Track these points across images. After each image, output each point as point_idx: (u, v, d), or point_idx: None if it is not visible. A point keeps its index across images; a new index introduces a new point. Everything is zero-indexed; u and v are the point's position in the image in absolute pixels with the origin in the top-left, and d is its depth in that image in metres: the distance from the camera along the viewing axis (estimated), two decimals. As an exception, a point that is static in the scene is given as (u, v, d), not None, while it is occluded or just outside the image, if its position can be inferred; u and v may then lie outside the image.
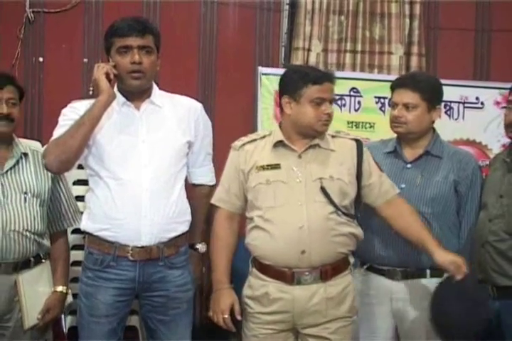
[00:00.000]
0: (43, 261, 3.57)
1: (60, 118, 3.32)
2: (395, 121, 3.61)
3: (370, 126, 4.89)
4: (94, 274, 3.32)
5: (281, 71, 4.94)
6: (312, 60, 5.22)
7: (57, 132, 3.25)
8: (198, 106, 3.54)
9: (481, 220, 3.59)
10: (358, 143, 3.45)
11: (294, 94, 3.31)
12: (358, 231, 3.38)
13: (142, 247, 3.30)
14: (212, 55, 5.22)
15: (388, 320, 3.66)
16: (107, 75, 3.24)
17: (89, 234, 3.36)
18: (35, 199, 3.49)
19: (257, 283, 3.39)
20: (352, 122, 5.00)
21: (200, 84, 5.06)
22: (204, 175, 3.60)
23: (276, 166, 3.34)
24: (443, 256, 3.31)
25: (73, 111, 3.29)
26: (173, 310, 3.41)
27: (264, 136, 3.47)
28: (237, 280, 3.54)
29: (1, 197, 3.44)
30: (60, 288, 3.53)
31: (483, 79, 5.39)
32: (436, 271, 3.50)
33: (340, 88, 4.84)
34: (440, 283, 3.37)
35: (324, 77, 3.31)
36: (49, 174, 3.46)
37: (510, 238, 3.48)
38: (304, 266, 3.28)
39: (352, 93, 4.97)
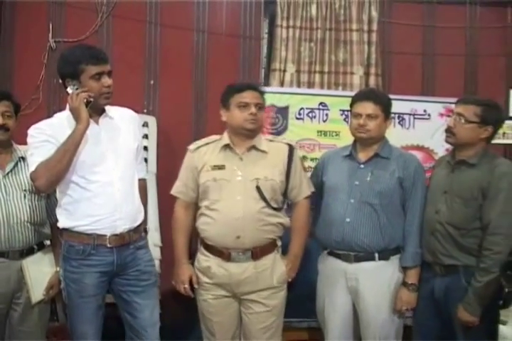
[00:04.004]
0: (45, 246, 3.66)
1: (31, 140, 3.26)
2: (359, 129, 3.64)
3: (336, 135, 4.90)
4: (78, 263, 3.33)
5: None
6: (287, 79, 5.28)
7: (35, 153, 3.23)
8: (134, 113, 3.60)
9: (429, 212, 3.62)
10: (290, 147, 3.65)
11: (226, 103, 3.54)
12: (285, 220, 3.62)
13: (117, 235, 3.34)
14: (203, 76, 5.26)
15: (345, 296, 3.72)
16: (86, 100, 3.18)
17: (67, 230, 3.35)
18: (33, 195, 3.59)
19: (202, 258, 3.62)
20: (321, 131, 4.98)
21: (193, 101, 5.09)
22: (142, 171, 3.63)
23: (222, 167, 3.55)
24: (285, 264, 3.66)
25: (41, 132, 3.26)
26: (144, 282, 3.46)
27: (215, 140, 3.64)
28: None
29: (4, 195, 3.54)
30: None
31: (430, 94, 5.42)
32: (383, 254, 3.64)
33: (311, 103, 4.99)
34: None
35: (245, 86, 3.55)
36: None
37: (452, 227, 3.49)
38: (238, 247, 3.50)
39: (321, 107, 4.96)
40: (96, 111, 3.32)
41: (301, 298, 4.05)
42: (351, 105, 3.72)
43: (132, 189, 3.44)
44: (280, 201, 3.62)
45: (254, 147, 3.58)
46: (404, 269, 3.65)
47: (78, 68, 3.21)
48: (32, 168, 3.19)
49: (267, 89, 5.00)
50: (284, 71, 5.27)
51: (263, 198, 3.52)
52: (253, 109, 3.50)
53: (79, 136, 3.17)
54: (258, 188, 3.52)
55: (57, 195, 3.43)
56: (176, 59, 5.20)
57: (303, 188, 3.70)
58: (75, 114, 3.19)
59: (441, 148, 4.61)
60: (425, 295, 3.61)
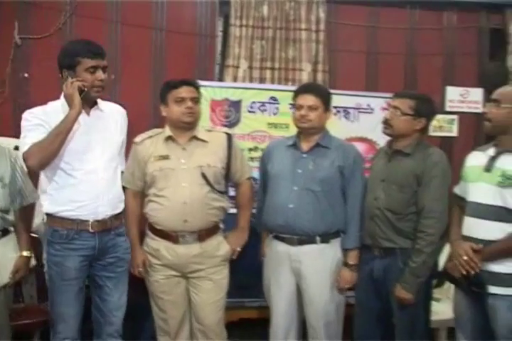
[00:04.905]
0: (9, 232, 3.56)
1: (25, 123, 3.33)
2: (301, 120, 3.69)
3: (286, 127, 4.93)
4: (62, 246, 3.37)
5: (215, 83, 5.00)
6: (240, 75, 5.28)
7: (28, 135, 3.29)
8: (123, 109, 3.66)
9: (369, 199, 3.68)
10: (229, 135, 3.72)
11: (164, 99, 3.58)
12: (226, 204, 3.71)
13: (99, 221, 3.38)
14: (161, 72, 5.24)
15: (289, 276, 3.75)
16: (79, 89, 3.25)
17: (51, 215, 3.39)
18: None
19: (151, 242, 3.66)
20: (271, 123, 5.04)
21: (151, 95, 5.04)
22: (122, 164, 3.65)
23: (166, 157, 3.58)
24: (231, 238, 3.78)
25: (34, 117, 3.33)
26: (119, 268, 3.52)
27: (158, 133, 3.67)
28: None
29: None
30: (25, 253, 3.54)
31: (373, 90, 5.46)
32: (324, 238, 3.68)
33: (262, 97, 5.05)
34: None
35: (180, 82, 3.58)
36: (8, 162, 3.43)
37: (390, 212, 3.56)
38: (186, 230, 3.54)
39: (271, 101, 5.02)
40: (87, 103, 3.39)
41: (253, 279, 4.08)
42: (294, 98, 3.78)
43: (114, 178, 3.50)
44: (223, 185, 3.70)
45: (195, 137, 3.65)
46: (345, 251, 3.71)
47: (75, 60, 3.30)
48: (25, 149, 3.24)
49: (220, 84, 5.09)
50: (237, 67, 5.27)
51: (208, 183, 3.58)
52: (189, 103, 3.56)
53: (71, 120, 3.24)
54: (203, 175, 3.57)
55: (43, 181, 3.46)
56: (135, 55, 5.18)
57: (245, 170, 3.82)
58: (69, 100, 3.27)
59: (382, 139, 4.61)
60: (365, 275, 3.69)
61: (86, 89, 3.28)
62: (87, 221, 3.37)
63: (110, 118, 3.52)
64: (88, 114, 3.41)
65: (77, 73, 3.30)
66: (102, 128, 3.46)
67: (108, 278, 3.49)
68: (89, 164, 3.37)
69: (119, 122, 3.58)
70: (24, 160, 3.27)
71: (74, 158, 3.34)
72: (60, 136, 3.21)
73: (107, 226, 3.43)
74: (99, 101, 3.48)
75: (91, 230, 3.37)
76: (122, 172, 3.61)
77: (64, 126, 3.22)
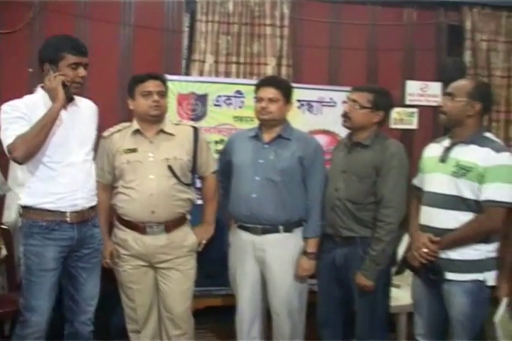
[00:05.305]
0: None
1: (4, 116, 3.28)
2: (262, 112, 3.72)
3: (251, 120, 4.86)
4: (42, 236, 3.33)
5: (182, 78, 4.99)
6: (206, 70, 5.28)
7: (10, 127, 3.24)
8: (95, 106, 3.64)
9: (329, 190, 3.70)
10: (195, 129, 3.73)
11: (131, 93, 3.59)
12: (193, 196, 3.70)
13: (77, 212, 3.37)
14: (129, 66, 5.22)
15: (254, 265, 3.79)
16: (62, 83, 3.25)
17: (30, 208, 3.36)
18: None
19: (119, 233, 3.66)
20: (237, 117, 5.03)
21: (119, 89, 5.00)
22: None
23: (134, 150, 3.59)
24: (198, 231, 3.78)
25: (15, 109, 3.28)
26: (93, 259, 3.51)
27: (126, 127, 3.69)
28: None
29: None
30: None
31: (335, 84, 5.47)
32: (287, 227, 3.71)
33: (228, 90, 5.03)
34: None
35: (147, 76, 3.59)
36: None
37: (350, 203, 3.59)
38: (153, 221, 3.56)
39: (237, 94, 5.01)
40: (66, 98, 3.34)
41: (219, 268, 4.11)
42: (255, 91, 3.81)
43: (90, 172, 3.50)
44: (190, 177, 3.71)
45: (161, 130, 3.66)
46: (305, 239, 3.74)
47: (59, 55, 3.30)
48: (9, 141, 3.20)
49: (187, 78, 5.08)
50: (204, 62, 5.26)
51: (175, 175, 3.59)
52: (155, 97, 3.58)
53: (55, 113, 3.24)
54: (170, 167, 3.58)
55: (19, 174, 3.43)
56: (103, 50, 5.10)
57: (210, 164, 3.82)
58: (52, 93, 3.26)
59: (345, 132, 4.65)
60: (327, 264, 3.73)
61: (68, 84, 3.29)
62: (65, 212, 3.36)
63: (85, 113, 3.52)
64: (66, 108, 3.38)
65: (59, 68, 3.29)
66: (79, 123, 3.45)
67: (82, 269, 3.48)
68: (68, 157, 3.36)
69: (93, 118, 3.59)
70: (9, 152, 3.23)
71: (54, 151, 3.32)
72: (44, 128, 3.20)
73: (85, 217, 3.43)
74: (75, 96, 3.47)
75: (69, 221, 3.36)
76: None
77: (48, 118, 3.21)
